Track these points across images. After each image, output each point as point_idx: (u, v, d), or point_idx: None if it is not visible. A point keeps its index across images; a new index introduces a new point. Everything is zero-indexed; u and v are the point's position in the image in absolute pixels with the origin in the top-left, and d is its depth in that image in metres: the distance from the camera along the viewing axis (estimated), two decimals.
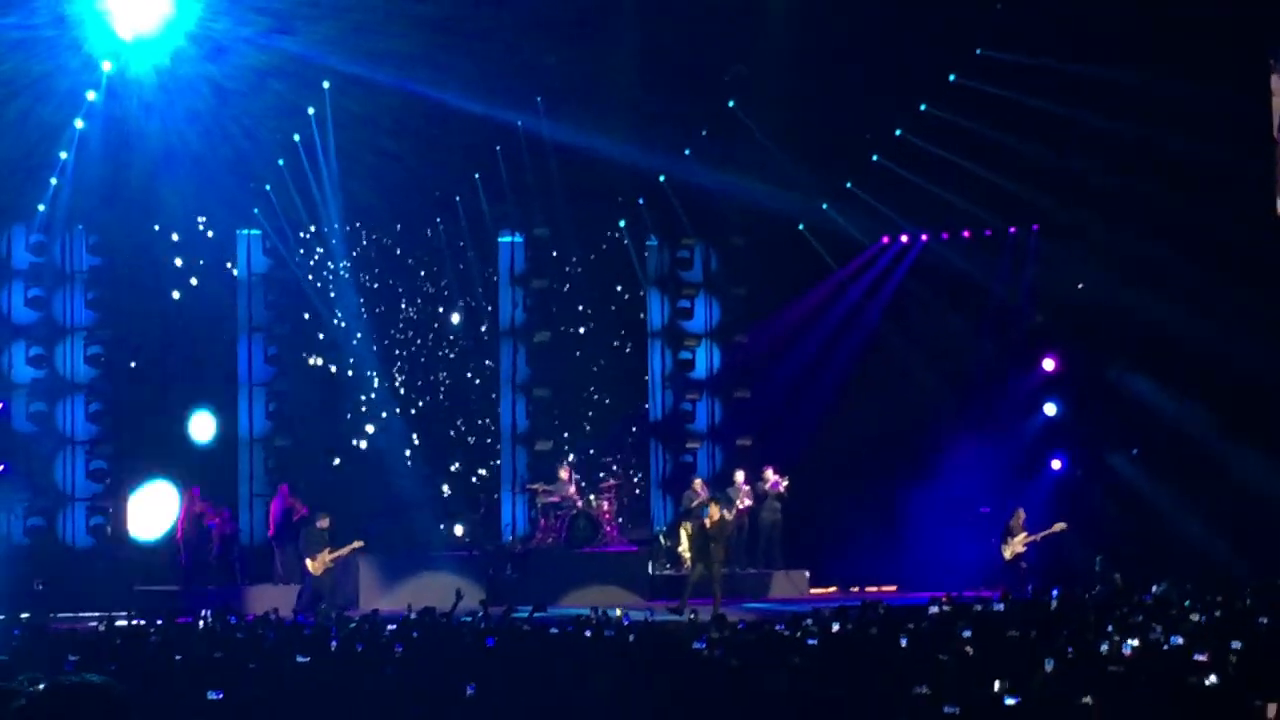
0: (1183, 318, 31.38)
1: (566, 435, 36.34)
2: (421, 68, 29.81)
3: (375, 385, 35.15)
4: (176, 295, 33.53)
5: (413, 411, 35.67)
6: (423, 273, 35.93)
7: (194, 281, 33.73)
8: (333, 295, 34.90)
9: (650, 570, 33.40)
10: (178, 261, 33.56)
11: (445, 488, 35.47)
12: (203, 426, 33.50)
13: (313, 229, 34.29)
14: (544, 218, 35.67)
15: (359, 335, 35.12)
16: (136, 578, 31.49)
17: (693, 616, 23.19)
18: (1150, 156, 30.67)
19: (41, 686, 7.28)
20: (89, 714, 7.06)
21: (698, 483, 34.23)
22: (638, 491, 36.83)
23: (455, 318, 36.03)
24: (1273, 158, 30.62)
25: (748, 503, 33.73)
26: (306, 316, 34.71)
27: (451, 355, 36.12)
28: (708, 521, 29.11)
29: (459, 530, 34.22)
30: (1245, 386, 31.30)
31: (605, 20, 30.64)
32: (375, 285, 35.51)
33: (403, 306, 35.76)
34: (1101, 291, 33.40)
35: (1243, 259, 30.66)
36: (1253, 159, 30.59)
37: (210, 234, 33.98)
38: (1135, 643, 16.72)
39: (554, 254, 36.35)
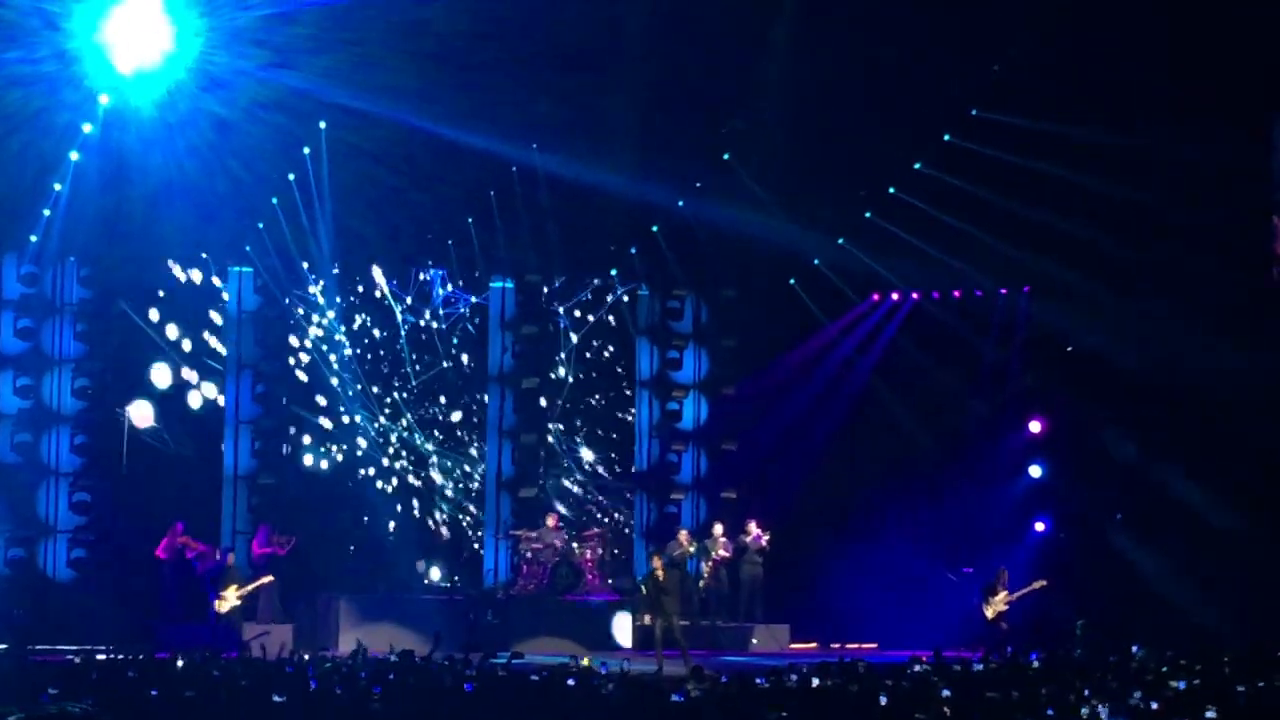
0: (1174, 381, 31.45)
1: (550, 483, 36.35)
2: (420, 102, 29.87)
3: (362, 426, 35.12)
4: (174, 333, 33.48)
5: (400, 452, 35.62)
6: (413, 315, 35.96)
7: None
8: (322, 335, 34.88)
9: (633, 620, 33.38)
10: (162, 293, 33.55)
11: (431, 528, 35.44)
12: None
13: (305, 266, 34.27)
14: (536, 264, 35.70)
15: (347, 375, 35.09)
16: (116, 611, 31.35)
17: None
18: (1144, 219, 30.79)
19: (18, 717, 7.21)
20: None
21: (683, 534, 34.19)
22: (618, 544, 36.79)
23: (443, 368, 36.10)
24: (1269, 219, 30.69)
25: (724, 555, 33.73)
26: (296, 356, 34.66)
27: (441, 399, 36.11)
28: (658, 574, 29.01)
29: (434, 574, 34.23)
30: (1238, 451, 31.35)
31: (603, 67, 30.72)
32: (366, 326, 35.51)
33: (392, 349, 35.75)
34: (1091, 354, 33.47)
35: (1237, 322, 30.72)
36: (1249, 221, 30.68)
37: (198, 273, 33.92)
38: (1116, 708, 16.69)
39: (544, 301, 36.41)
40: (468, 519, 36.07)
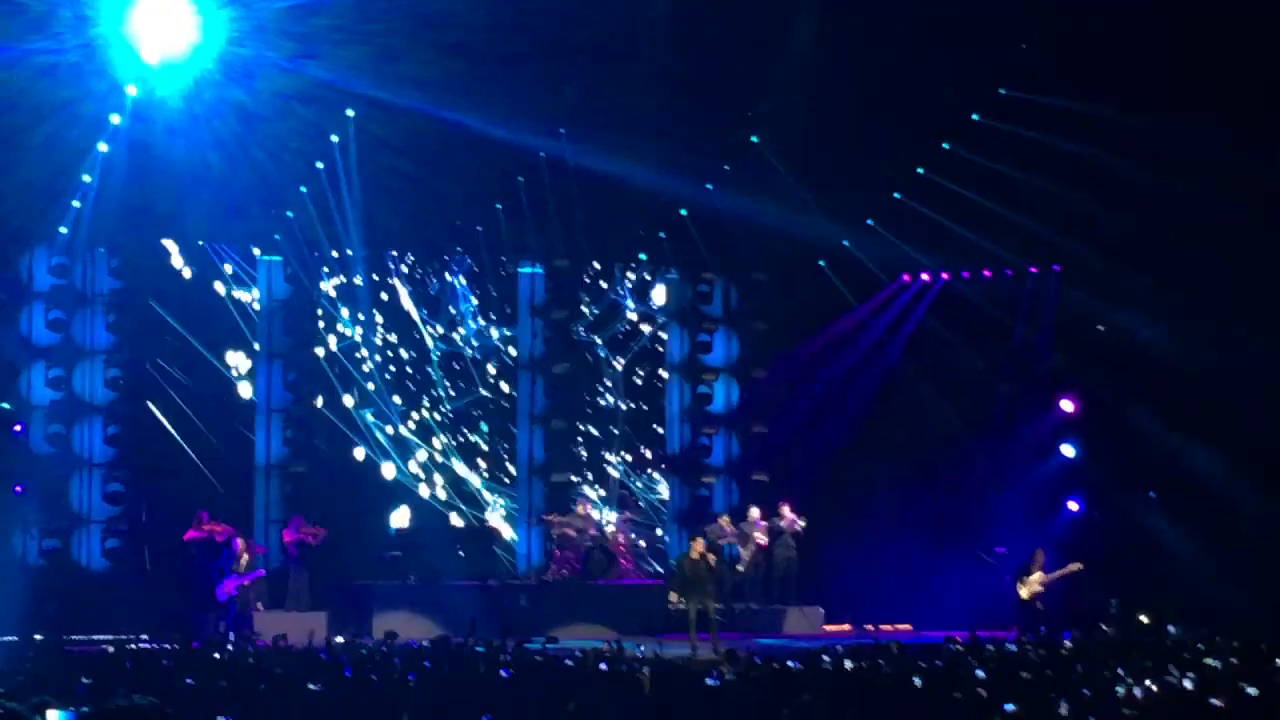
0: (1203, 362, 31.35)
1: (584, 468, 36.43)
2: (446, 93, 29.87)
3: (393, 413, 35.18)
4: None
5: (431, 440, 35.67)
6: (444, 301, 36.02)
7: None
8: (356, 320, 34.95)
9: (667, 605, 33.38)
10: (187, 274, 33.65)
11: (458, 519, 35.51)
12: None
13: (335, 254, 34.34)
14: (565, 249, 35.73)
15: (377, 362, 35.17)
16: (151, 601, 31.45)
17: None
18: (1173, 200, 30.61)
19: (85, 710, 7.19)
20: None
21: (724, 519, 34.10)
22: (655, 526, 36.82)
23: (471, 349, 36.12)
24: None
25: (763, 540, 33.65)
26: (326, 344, 34.72)
27: (470, 385, 36.15)
28: (697, 556, 29.02)
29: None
30: (1267, 432, 31.23)
31: (630, 52, 30.70)
32: (395, 313, 35.57)
33: (422, 335, 35.80)
34: (1122, 333, 33.38)
35: (1265, 305, 30.60)
36: (1276, 204, 30.52)
37: (230, 261, 34.02)
38: (1152, 686, 16.66)
39: (574, 285, 36.46)
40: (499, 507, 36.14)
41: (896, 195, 34.53)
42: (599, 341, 36.95)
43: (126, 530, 32.84)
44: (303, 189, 32.67)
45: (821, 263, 36.58)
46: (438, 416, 35.78)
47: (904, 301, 36.75)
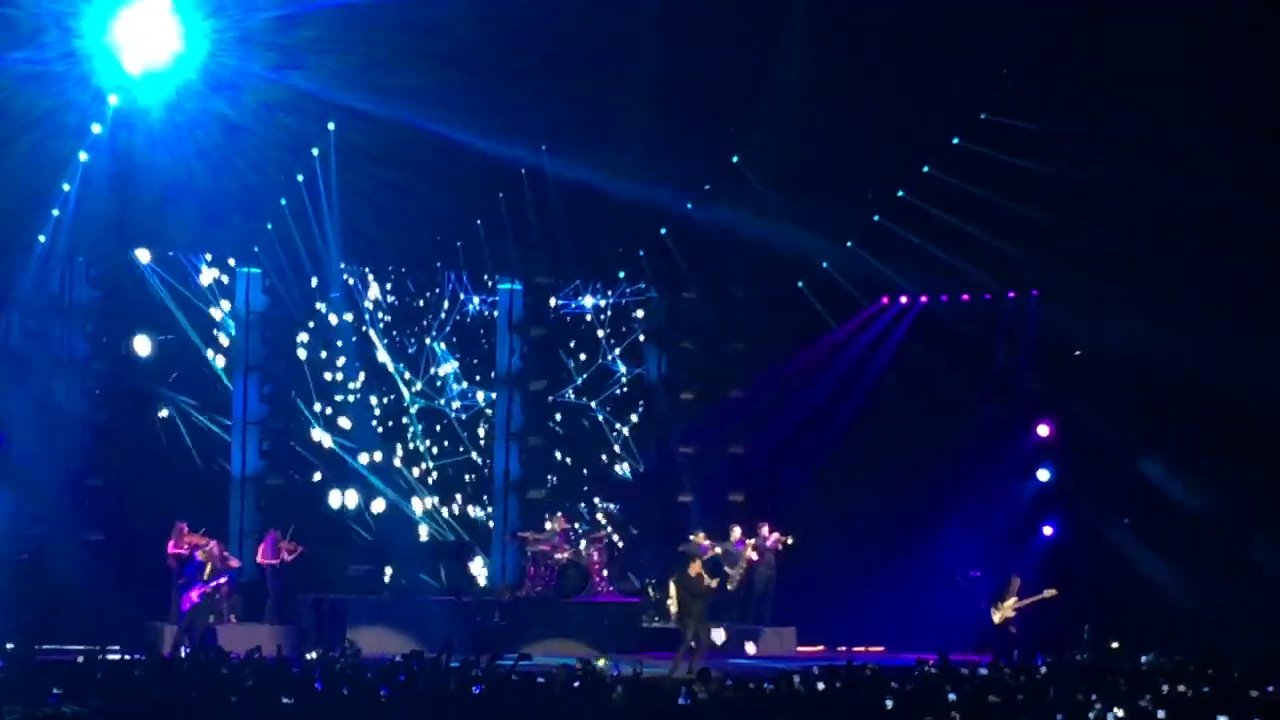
0: (1184, 384, 31.43)
1: (558, 482, 36.45)
2: (429, 105, 29.89)
3: (368, 426, 35.16)
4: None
5: (406, 454, 35.66)
6: (422, 319, 36.01)
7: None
8: (330, 335, 34.92)
9: (641, 623, 33.40)
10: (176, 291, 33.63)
11: (430, 532, 35.48)
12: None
13: (313, 270, 34.32)
14: (545, 265, 35.76)
15: (355, 376, 35.13)
16: (122, 611, 31.35)
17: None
18: (1154, 221, 30.72)
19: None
20: None
21: (700, 535, 34.07)
22: (624, 543, 36.82)
23: (450, 366, 36.10)
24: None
25: (754, 557, 33.55)
26: (303, 356, 34.68)
27: (446, 400, 36.14)
28: (690, 573, 28.90)
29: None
30: (1248, 452, 31.32)
31: (612, 69, 30.75)
32: (373, 327, 35.54)
33: (400, 350, 35.80)
34: (1100, 357, 33.46)
35: (1249, 324, 30.65)
36: (1265, 220, 30.53)
37: (207, 271, 33.96)
38: (1120, 713, 16.69)
39: (553, 302, 36.50)
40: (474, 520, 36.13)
41: (877, 217, 34.59)
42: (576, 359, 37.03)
43: (102, 539, 32.72)
44: (283, 201, 32.64)
45: (800, 284, 36.62)
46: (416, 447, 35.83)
47: (883, 323, 36.78)
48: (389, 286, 35.70)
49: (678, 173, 33.59)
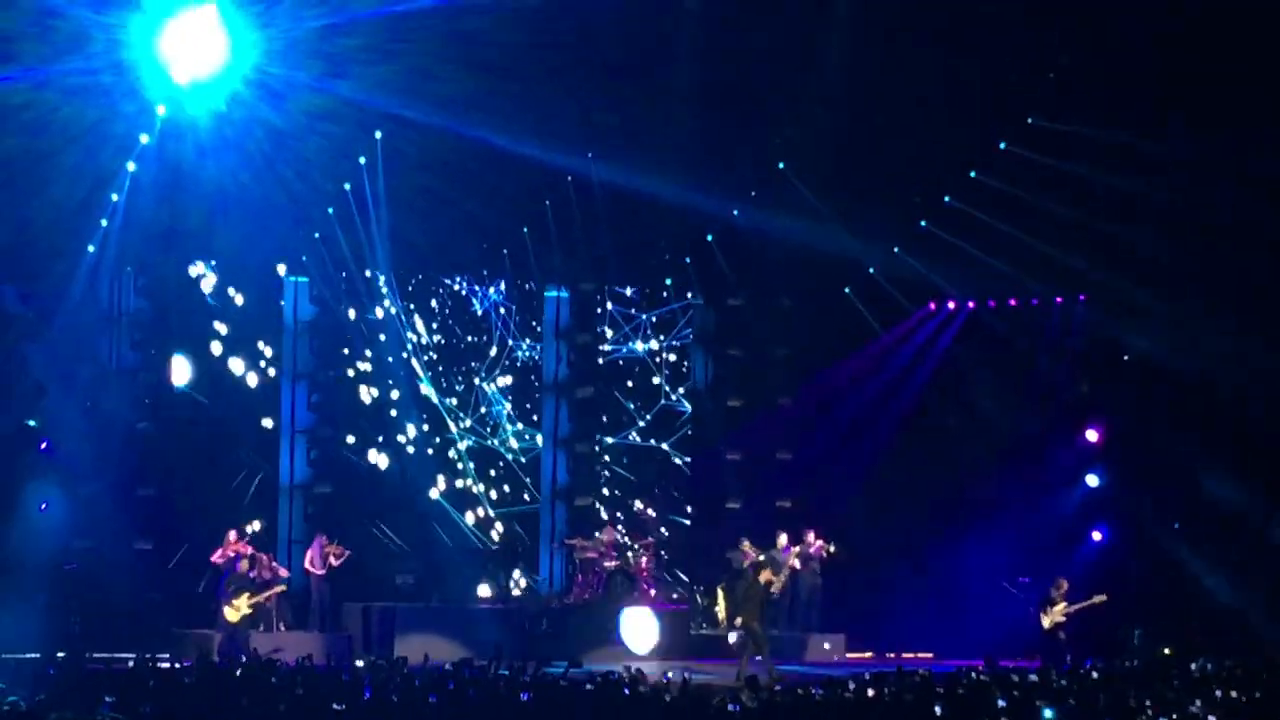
0: (1232, 389, 31.28)
1: (607, 491, 36.46)
2: (474, 112, 29.94)
3: (416, 435, 35.22)
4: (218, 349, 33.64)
5: (455, 461, 35.72)
6: (470, 328, 36.08)
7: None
8: (380, 341, 35.03)
9: (690, 630, 33.35)
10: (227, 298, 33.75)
11: (481, 539, 35.52)
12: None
13: (364, 274, 34.42)
14: (590, 272, 35.80)
15: (402, 383, 35.19)
16: (174, 619, 31.47)
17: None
18: (1200, 225, 30.59)
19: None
20: None
21: (745, 543, 34.02)
22: (667, 551, 36.80)
23: (501, 378, 36.17)
24: None
25: (798, 565, 33.50)
26: (352, 364, 34.76)
27: (494, 407, 36.19)
28: (762, 579, 28.97)
29: (485, 591, 34.15)
30: None
31: (657, 76, 30.77)
32: (421, 335, 35.61)
33: (448, 356, 35.87)
34: (1148, 361, 33.33)
35: None
36: None
37: (257, 280, 34.09)
38: (1174, 718, 16.59)
39: (599, 310, 36.54)
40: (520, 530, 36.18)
41: (923, 224, 34.51)
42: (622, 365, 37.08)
43: (150, 549, 32.82)
44: (330, 210, 32.74)
45: (847, 290, 36.55)
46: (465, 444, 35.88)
47: (930, 329, 36.69)
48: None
49: (724, 179, 33.57)
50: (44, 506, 31.77)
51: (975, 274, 34.47)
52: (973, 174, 33.40)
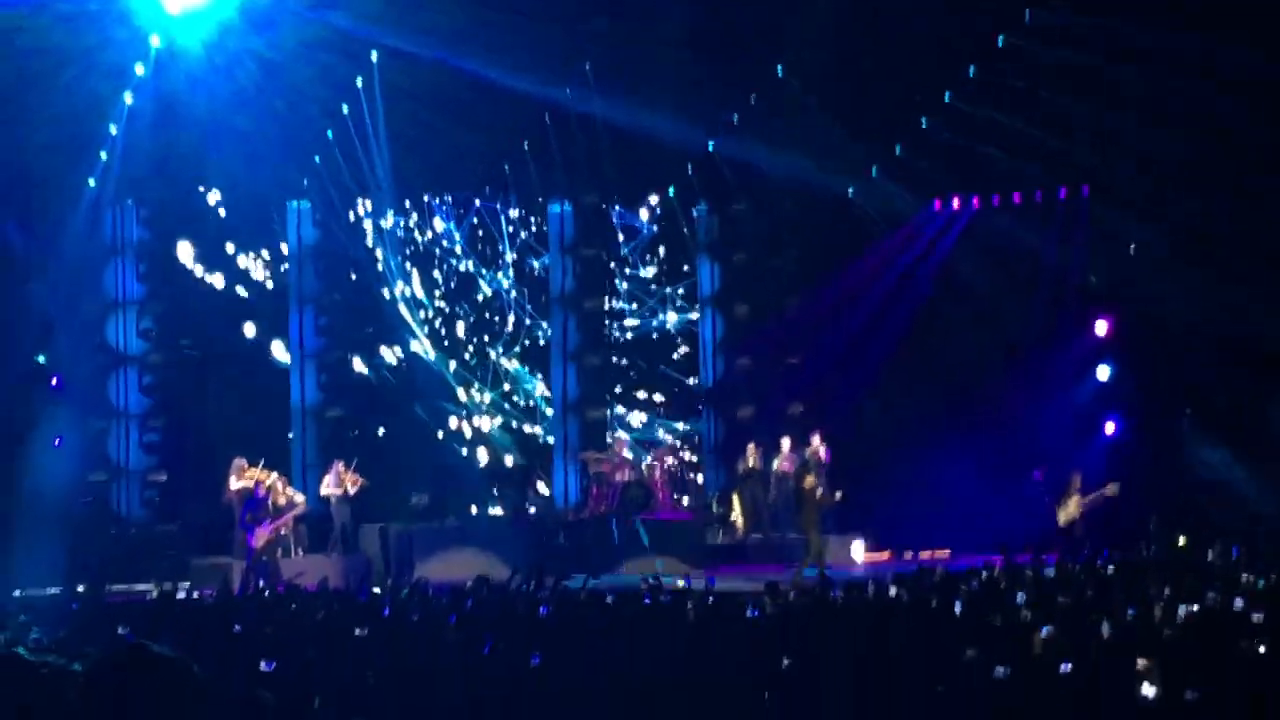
0: (1233, 279, 31.21)
1: (617, 403, 36.52)
2: (468, 41, 29.80)
3: (425, 355, 35.25)
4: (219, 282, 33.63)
5: (463, 379, 35.76)
6: (473, 242, 36.07)
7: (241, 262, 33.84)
8: (381, 267, 35.01)
9: (705, 539, 33.42)
10: (230, 247, 33.66)
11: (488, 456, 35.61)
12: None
13: (363, 201, 34.38)
14: (592, 185, 35.72)
15: (407, 304, 35.21)
16: (191, 549, 31.60)
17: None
18: (1204, 119, 30.44)
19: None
20: (156, 686, 6.63)
21: (750, 447, 34.07)
22: (690, 458, 36.87)
23: (505, 284, 36.17)
24: None
25: (786, 468, 33.50)
26: (356, 288, 34.77)
27: (502, 323, 36.20)
28: (806, 485, 29.32)
29: (499, 511, 34.22)
30: None
31: None
32: (424, 254, 35.61)
33: (452, 276, 35.86)
34: (1154, 253, 33.24)
35: None
36: None
37: (258, 206, 34.06)
38: (1193, 606, 16.64)
39: (603, 222, 36.49)
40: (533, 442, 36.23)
41: (924, 123, 34.36)
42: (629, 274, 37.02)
43: (165, 480, 32.95)
44: (329, 133, 32.66)
45: (850, 192, 36.46)
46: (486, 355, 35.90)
47: (934, 229, 36.61)
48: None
49: (723, 88, 33.42)
50: (58, 442, 31.87)
51: (978, 171, 34.36)
52: (971, 71, 33.21)
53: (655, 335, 37.30)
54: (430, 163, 33.75)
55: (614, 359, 36.91)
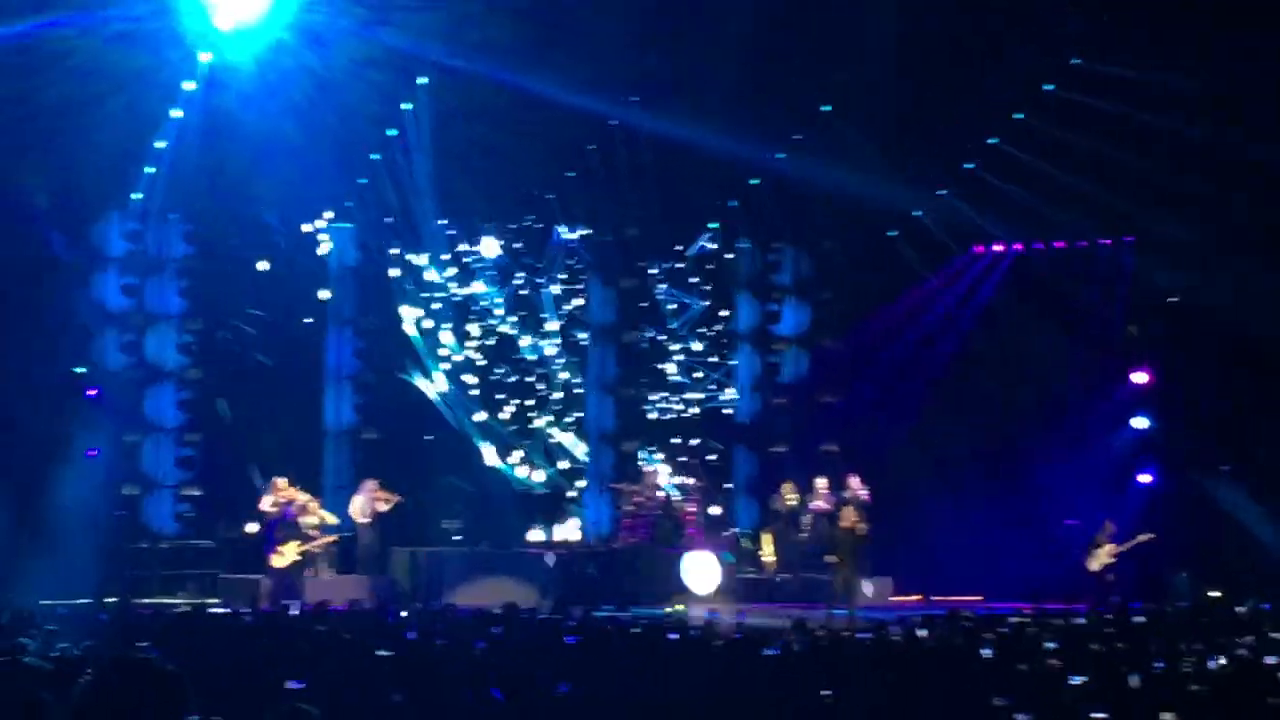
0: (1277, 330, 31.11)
1: (652, 437, 36.46)
2: (520, 60, 29.87)
3: (463, 380, 35.26)
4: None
5: (500, 408, 35.74)
6: (515, 271, 36.07)
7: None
8: (423, 290, 35.06)
9: (735, 573, 33.35)
10: (263, 265, 33.76)
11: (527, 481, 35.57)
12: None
13: (409, 220, 34.44)
14: (636, 217, 35.72)
15: (448, 330, 35.24)
16: (222, 565, 31.65)
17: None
18: (1249, 168, 30.36)
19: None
20: (148, 693, 7.04)
21: (787, 486, 33.99)
22: (721, 494, 36.77)
23: (546, 319, 36.18)
24: None
25: (824, 506, 33.41)
26: (394, 313, 34.84)
27: (541, 353, 36.18)
28: (844, 525, 29.33)
29: (535, 535, 34.14)
30: None
31: (703, 20, 30.59)
32: (465, 280, 35.63)
33: (493, 302, 35.87)
34: (1196, 304, 33.12)
35: None
36: None
37: (302, 226, 34.14)
38: (1221, 660, 16.56)
39: (645, 255, 36.47)
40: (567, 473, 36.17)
41: (969, 166, 34.31)
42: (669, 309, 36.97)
43: (198, 495, 33.03)
44: (375, 156, 32.74)
45: (893, 233, 36.40)
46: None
47: (976, 273, 36.55)
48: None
49: (768, 123, 33.41)
50: (94, 453, 31.98)
51: (1021, 217, 34.29)
52: (1019, 116, 33.17)
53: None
54: (476, 184, 33.77)
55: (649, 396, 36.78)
